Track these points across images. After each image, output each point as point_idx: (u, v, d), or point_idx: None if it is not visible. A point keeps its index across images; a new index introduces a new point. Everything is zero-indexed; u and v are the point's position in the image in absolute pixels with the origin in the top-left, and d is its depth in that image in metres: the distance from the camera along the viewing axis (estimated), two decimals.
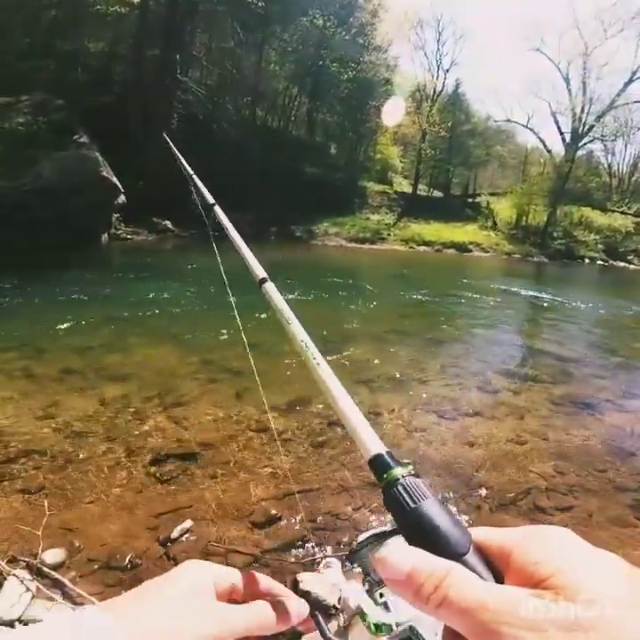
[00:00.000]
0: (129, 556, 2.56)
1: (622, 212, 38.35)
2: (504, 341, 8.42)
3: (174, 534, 2.73)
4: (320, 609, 2.25)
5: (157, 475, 3.32)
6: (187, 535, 2.76)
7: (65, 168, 13.72)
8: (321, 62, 28.35)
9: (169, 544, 2.68)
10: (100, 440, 3.70)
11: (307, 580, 2.48)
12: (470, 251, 28.34)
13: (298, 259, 17.74)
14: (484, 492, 3.41)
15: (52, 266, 10.35)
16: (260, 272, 0.96)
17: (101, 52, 22.82)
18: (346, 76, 28.54)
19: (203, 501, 3.08)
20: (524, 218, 34.54)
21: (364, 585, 0.43)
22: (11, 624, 2.01)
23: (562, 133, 37.29)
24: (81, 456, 3.45)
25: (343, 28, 28.85)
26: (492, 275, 21.44)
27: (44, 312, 7.33)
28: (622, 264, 32.33)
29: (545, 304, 12.91)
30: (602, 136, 37.89)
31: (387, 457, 0.45)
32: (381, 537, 0.41)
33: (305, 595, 2.33)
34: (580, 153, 37.30)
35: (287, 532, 2.87)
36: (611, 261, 32.45)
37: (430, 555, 0.33)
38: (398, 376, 5.70)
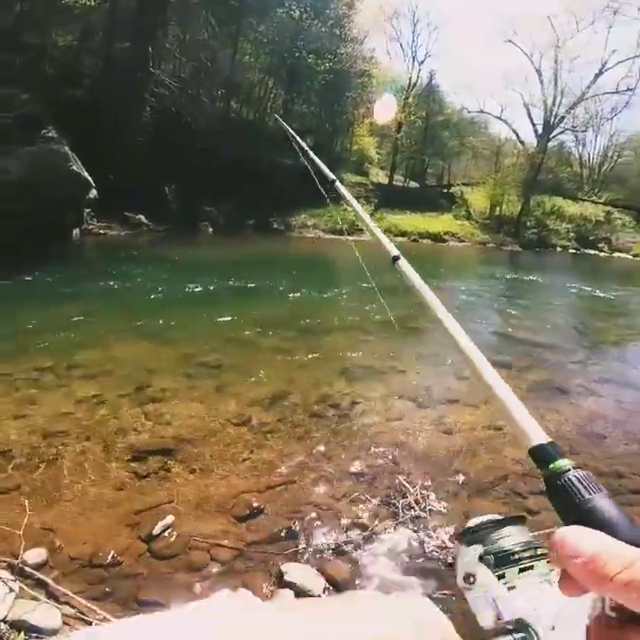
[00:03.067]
0: (111, 554, 2.54)
1: (593, 202, 39.27)
2: (479, 329, 8.55)
3: (156, 530, 2.72)
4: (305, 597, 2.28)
5: (137, 471, 3.30)
6: (169, 531, 2.76)
7: (33, 163, 13.35)
8: (297, 54, 28.00)
9: (151, 540, 2.68)
10: (77, 438, 3.65)
11: (291, 570, 2.52)
12: (445, 240, 28.67)
13: (276, 251, 17.69)
14: (461, 478, 3.48)
15: (22, 262, 10.09)
16: (393, 250, 0.99)
17: (70, 45, 22.18)
18: (322, 67, 28.34)
19: (184, 497, 3.07)
20: (498, 208, 35.01)
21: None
22: None
23: (534, 125, 37.91)
24: (58, 455, 3.40)
25: (319, 19, 28.56)
26: (467, 264, 21.74)
27: (13, 309, 7.14)
28: (593, 252, 33.12)
29: (518, 291, 13.16)
30: (573, 127, 38.59)
31: (550, 448, 0.45)
32: (501, 523, 0.41)
33: (290, 585, 2.36)
34: (551, 144, 37.91)
35: (270, 525, 2.89)
36: (582, 249, 33.22)
37: (617, 541, 0.33)
38: (375, 365, 5.76)
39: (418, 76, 37.85)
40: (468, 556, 0.42)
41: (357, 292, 10.75)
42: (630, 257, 32.46)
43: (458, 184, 39.59)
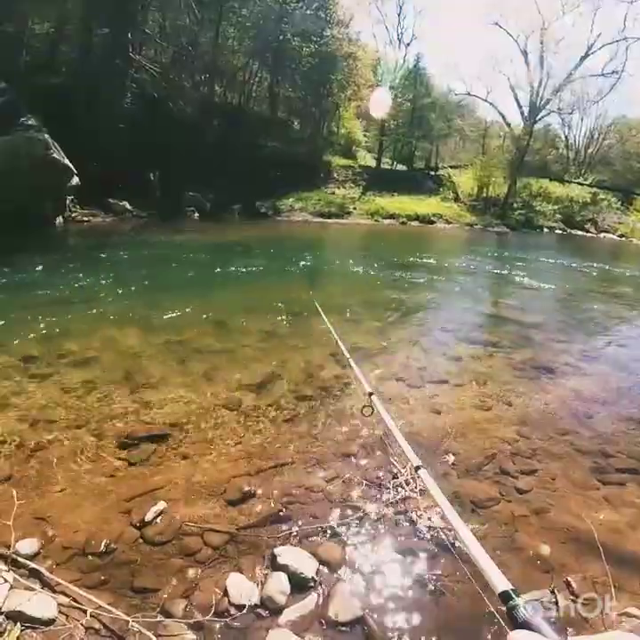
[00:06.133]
0: (104, 542, 2.54)
1: (579, 183, 39.48)
2: (467, 309, 8.61)
3: (148, 517, 2.72)
4: (298, 581, 2.29)
5: (127, 458, 3.29)
6: (161, 517, 2.75)
7: (12, 152, 13.11)
8: (282, 37, 27.47)
9: (143, 527, 2.67)
10: (67, 427, 3.62)
11: (284, 553, 2.53)
12: (434, 222, 28.71)
13: (264, 235, 17.53)
14: (451, 458, 3.51)
15: (4, 252, 9.91)
16: (415, 460, 1.29)
17: (47, 33, 21.55)
18: (307, 50, 27.89)
19: (175, 482, 3.07)
20: (485, 190, 35.04)
21: None
22: None
23: (520, 107, 37.75)
24: (48, 444, 3.37)
25: (304, 2, 28.09)
26: (455, 245, 21.79)
27: None
28: (579, 232, 33.44)
29: (505, 270, 13.21)
30: (559, 109, 38.63)
31: (511, 592, 0.72)
32: None
33: (283, 568, 2.38)
34: (537, 126, 37.91)
35: (262, 508, 2.90)
36: (568, 230, 33.50)
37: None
38: (365, 347, 5.76)
39: (404, 59, 37.50)
40: None
41: (345, 273, 10.74)
42: (616, 237, 32.81)
43: (445, 166, 39.52)
